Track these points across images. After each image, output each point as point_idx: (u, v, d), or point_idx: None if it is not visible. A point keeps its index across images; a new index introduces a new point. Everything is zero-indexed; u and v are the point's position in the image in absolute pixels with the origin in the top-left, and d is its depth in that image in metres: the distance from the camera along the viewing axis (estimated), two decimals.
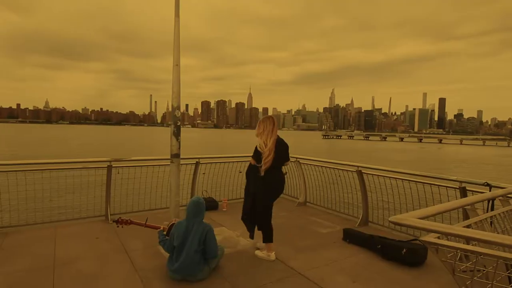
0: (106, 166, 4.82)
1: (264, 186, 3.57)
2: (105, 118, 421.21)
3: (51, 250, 3.77)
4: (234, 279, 3.18)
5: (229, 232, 4.58)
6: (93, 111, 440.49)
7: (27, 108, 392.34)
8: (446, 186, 4.14)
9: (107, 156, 4.81)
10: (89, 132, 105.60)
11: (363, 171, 5.00)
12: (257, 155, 3.58)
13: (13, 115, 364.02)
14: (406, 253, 3.55)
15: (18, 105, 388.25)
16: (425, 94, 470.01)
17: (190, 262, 3.04)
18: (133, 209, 5.23)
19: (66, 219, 4.82)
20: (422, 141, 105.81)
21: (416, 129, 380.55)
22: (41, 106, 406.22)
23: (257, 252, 3.75)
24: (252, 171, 3.70)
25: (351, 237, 4.22)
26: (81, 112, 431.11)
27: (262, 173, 3.51)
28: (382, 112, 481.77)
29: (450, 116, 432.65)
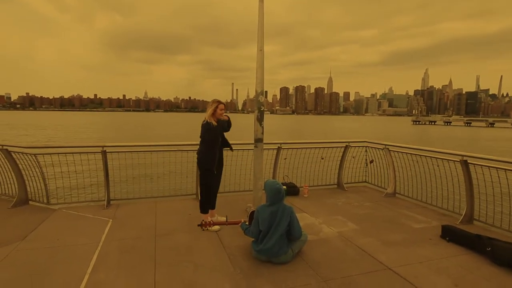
0: (196, 149, 5.20)
1: None
2: (193, 106, 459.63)
3: (152, 221, 4.30)
4: (318, 266, 3.12)
5: (311, 219, 4.52)
6: (182, 99, 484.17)
7: (131, 98, 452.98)
8: None
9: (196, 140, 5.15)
10: (180, 119, 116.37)
11: (469, 161, 4.31)
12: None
13: (120, 104, 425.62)
14: None
15: (124, 95, 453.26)
16: None
17: (275, 244, 3.12)
18: (219, 190, 5.54)
19: (164, 196, 5.43)
20: None
21: None
22: (141, 96, 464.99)
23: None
24: None
25: (452, 235, 3.73)
26: (173, 101, 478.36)
27: None
28: (490, 93, 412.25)
29: None
